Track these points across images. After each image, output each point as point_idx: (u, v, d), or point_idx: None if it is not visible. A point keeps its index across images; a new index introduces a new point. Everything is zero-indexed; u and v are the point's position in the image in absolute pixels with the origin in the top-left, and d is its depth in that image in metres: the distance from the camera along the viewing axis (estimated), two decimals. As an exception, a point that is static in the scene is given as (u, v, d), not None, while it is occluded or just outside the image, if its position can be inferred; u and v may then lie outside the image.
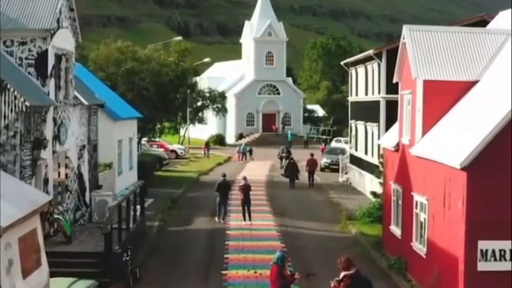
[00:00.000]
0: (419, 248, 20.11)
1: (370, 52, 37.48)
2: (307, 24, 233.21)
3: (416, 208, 20.46)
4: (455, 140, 17.89)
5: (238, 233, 28.49)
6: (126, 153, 37.66)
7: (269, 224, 30.70)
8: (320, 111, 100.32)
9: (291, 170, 44.50)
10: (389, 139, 24.66)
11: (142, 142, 53.17)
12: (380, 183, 31.78)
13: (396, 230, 23.16)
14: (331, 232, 29.74)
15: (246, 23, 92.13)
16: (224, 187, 31.31)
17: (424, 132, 20.39)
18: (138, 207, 27.04)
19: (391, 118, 36.15)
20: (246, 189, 30.64)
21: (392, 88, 36.40)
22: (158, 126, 49.80)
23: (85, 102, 26.75)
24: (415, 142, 20.75)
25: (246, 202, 30.46)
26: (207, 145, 70.66)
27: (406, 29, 21.76)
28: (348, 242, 27.61)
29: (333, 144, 73.46)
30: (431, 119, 20.25)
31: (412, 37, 21.37)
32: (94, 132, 29.47)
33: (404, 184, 21.97)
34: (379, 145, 37.14)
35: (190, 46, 51.54)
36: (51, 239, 22.18)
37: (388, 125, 36.17)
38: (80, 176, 26.51)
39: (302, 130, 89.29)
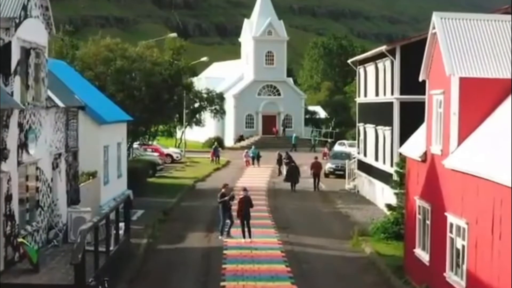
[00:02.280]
0: (456, 281, 16.62)
1: (383, 48, 33.97)
2: (306, 25, 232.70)
3: (451, 231, 16.97)
4: (503, 151, 14.40)
5: (237, 253, 25.00)
6: (113, 160, 34.20)
7: (272, 241, 27.16)
8: (322, 113, 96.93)
9: (293, 174, 43.34)
10: (413, 147, 21.15)
11: (134, 146, 49.68)
12: (395, 194, 28.33)
13: (422, 255, 19.67)
14: (342, 251, 26.24)
15: (245, 21, 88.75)
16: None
17: (460, 140, 16.92)
18: (123, 224, 23.55)
19: (406, 121, 32.89)
20: (246, 202, 27.09)
21: (407, 88, 33.14)
22: (151, 129, 46.23)
23: (61, 104, 23.24)
24: (450, 152, 17.27)
25: (245, 216, 26.92)
26: (215, 149, 63.68)
27: (436, 17, 18.28)
28: (363, 264, 24.15)
29: (337, 147, 69.90)
30: (469, 124, 16.80)
31: (444, 26, 17.89)
32: (74, 137, 26.02)
33: (434, 201, 18.48)
34: (392, 151, 33.76)
35: (187, 45, 47.80)
36: (15, 267, 18.74)
37: (403, 129, 32.84)
38: (55, 189, 23.02)
39: (303, 132, 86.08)
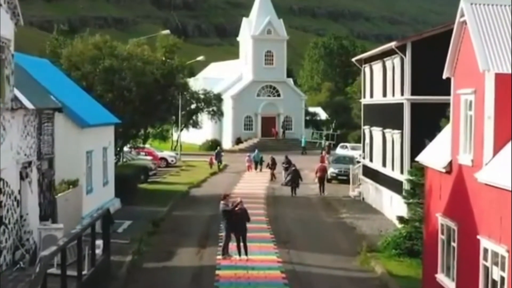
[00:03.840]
0: (492, 318, 13.80)
1: (392, 44, 31.08)
2: (306, 26, 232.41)
3: (486, 259, 14.15)
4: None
5: (231, 273, 22.12)
6: (98, 166, 31.41)
7: (270, 259, 24.24)
8: (322, 114, 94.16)
9: (294, 178, 42.10)
10: (435, 155, 18.31)
11: (126, 150, 46.82)
12: (407, 204, 25.53)
13: (446, 282, 16.83)
14: (349, 271, 23.35)
15: (244, 20, 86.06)
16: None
17: (497, 149, 14.12)
18: (101, 242, 20.71)
19: (418, 124, 30.18)
20: (241, 215, 24.18)
21: (418, 88, 30.37)
22: (142, 132, 43.33)
23: (30, 106, 20.39)
24: (483, 162, 14.44)
25: (241, 231, 24.03)
26: (218, 153, 58.98)
27: (466, 3, 15.44)
28: (374, 286, 21.33)
29: (339, 150, 67.02)
30: (507, 129, 13.97)
31: (476, 14, 15.07)
32: (49, 143, 23.20)
33: (462, 220, 15.65)
34: (402, 157, 30.94)
35: (181, 43, 44.81)
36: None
37: (414, 133, 30.10)
38: (24, 202, 20.18)
39: (304, 134, 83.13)
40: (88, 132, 29.25)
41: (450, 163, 16.64)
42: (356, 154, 60.65)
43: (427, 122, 29.31)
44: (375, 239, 28.20)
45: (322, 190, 42.66)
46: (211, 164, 57.66)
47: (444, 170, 16.90)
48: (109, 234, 21.52)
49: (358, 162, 51.92)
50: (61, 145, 26.98)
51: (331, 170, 49.50)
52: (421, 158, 19.64)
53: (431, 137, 25.17)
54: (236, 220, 23.81)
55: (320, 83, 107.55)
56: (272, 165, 50.30)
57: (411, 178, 25.75)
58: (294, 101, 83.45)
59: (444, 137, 18.17)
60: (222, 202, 24.61)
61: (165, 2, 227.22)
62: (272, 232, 29.26)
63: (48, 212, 22.82)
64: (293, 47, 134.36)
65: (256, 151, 56.52)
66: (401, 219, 25.97)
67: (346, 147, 68.40)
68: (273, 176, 49.77)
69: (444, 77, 17.43)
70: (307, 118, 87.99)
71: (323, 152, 62.68)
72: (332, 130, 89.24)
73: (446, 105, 26.57)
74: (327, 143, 75.14)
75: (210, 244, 26.79)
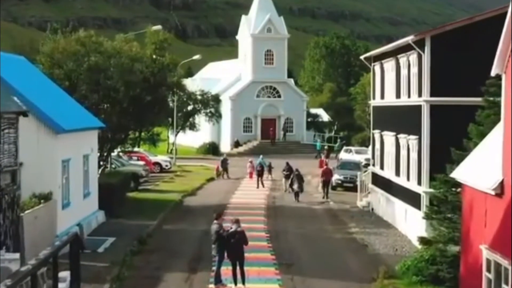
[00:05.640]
0: None
1: (409, 39, 27.48)
2: (306, 26, 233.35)
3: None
4: None
5: (226, 308, 18.66)
6: (77, 176, 27.97)
7: (272, 288, 20.81)
8: (324, 116, 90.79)
9: (297, 183, 40.46)
10: (476, 171, 14.77)
11: (114, 155, 43.30)
12: (430, 223, 22.07)
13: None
14: (365, 304, 19.91)
15: (243, 18, 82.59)
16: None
17: None
18: (68, 274, 17.15)
19: (438, 129, 26.74)
20: (238, 239, 20.55)
21: (439, 88, 26.90)
22: (131, 135, 39.75)
23: (-18, 109, 16.90)
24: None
25: (237, 257, 20.47)
26: (224, 161, 53.19)
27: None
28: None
29: (343, 155, 63.46)
30: None
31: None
32: (11, 152, 19.78)
33: (521, 258, 12.15)
34: (420, 166, 27.47)
35: (171, 38, 41.26)
36: None
37: (435, 139, 26.68)
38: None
39: (305, 137, 79.74)
40: (65, 138, 25.79)
41: (501, 184, 13.13)
42: (361, 158, 57.28)
43: (450, 128, 26.01)
44: (390, 260, 24.89)
45: (325, 194, 41.31)
46: (217, 173, 53.06)
47: (492, 192, 13.38)
48: (78, 263, 17.94)
49: (365, 166, 48.56)
50: (32, 154, 24.01)
51: (336, 177, 46.07)
52: (458, 174, 16.08)
53: (456, 145, 21.88)
54: (232, 244, 20.28)
55: (321, 83, 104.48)
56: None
57: (434, 192, 22.32)
58: (295, 102, 79.97)
59: (487, 149, 14.62)
60: (215, 222, 21.04)
61: (164, 3, 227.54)
62: (273, 252, 25.73)
63: (10, 234, 19.33)
64: (293, 48, 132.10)
65: (261, 156, 51.89)
66: (422, 239, 22.45)
67: (351, 150, 64.87)
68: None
69: (492, 74, 13.90)
70: (309, 120, 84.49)
71: (322, 156, 58.93)
72: (334, 133, 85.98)
73: (473, 108, 23.33)
74: (326, 146, 71.53)
75: (202, 268, 23.33)
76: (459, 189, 20.92)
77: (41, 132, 24.68)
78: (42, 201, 23.48)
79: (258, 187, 45.70)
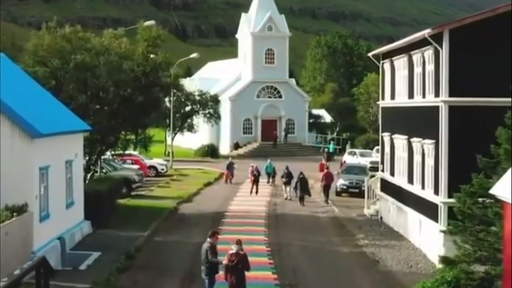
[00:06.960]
0: None
1: (425, 33, 24.75)
2: (306, 27, 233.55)
3: None
4: None
5: None
6: (59, 184, 25.32)
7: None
8: (327, 117, 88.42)
9: (302, 187, 39.14)
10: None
11: (106, 158, 40.68)
12: (455, 242, 19.43)
13: None
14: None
15: (243, 16, 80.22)
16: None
17: None
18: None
19: (459, 133, 24.12)
20: (238, 263, 17.69)
21: (459, 87, 24.25)
22: (122, 138, 37.11)
23: None
24: None
25: (237, 283, 17.70)
26: (230, 166, 49.78)
27: None
28: None
29: (347, 158, 60.83)
30: None
31: None
32: (-26, 161, 17.05)
33: None
34: (437, 173, 24.85)
35: (165, 34, 38.55)
36: None
37: (454, 144, 24.09)
38: None
39: (307, 138, 77.37)
40: (43, 143, 23.14)
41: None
42: (365, 161, 54.68)
43: (471, 132, 23.52)
44: (405, 279, 22.44)
45: (326, 198, 40.16)
46: (227, 179, 49.55)
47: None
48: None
49: (372, 170, 45.99)
50: (6, 162, 21.81)
51: (341, 182, 43.59)
52: (498, 190, 13.44)
53: (478, 150, 19.38)
54: (231, 268, 17.56)
55: (323, 83, 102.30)
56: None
57: (457, 205, 19.71)
58: (296, 102, 77.59)
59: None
60: (208, 240, 18.34)
61: (164, 3, 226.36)
62: (275, 270, 23.07)
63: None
64: (293, 48, 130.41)
65: (269, 161, 48.88)
66: (445, 260, 19.76)
67: (355, 153, 62.29)
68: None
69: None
70: (311, 121, 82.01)
71: (323, 160, 56.17)
72: (336, 134, 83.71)
73: (498, 109, 20.82)
74: (326, 149, 68.89)
75: (195, 289, 20.74)
76: (487, 201, 18.45)
77: (15, 137, 22.12)
78: (14, 214, 20.90)
79: (251, 193, 42.89)
